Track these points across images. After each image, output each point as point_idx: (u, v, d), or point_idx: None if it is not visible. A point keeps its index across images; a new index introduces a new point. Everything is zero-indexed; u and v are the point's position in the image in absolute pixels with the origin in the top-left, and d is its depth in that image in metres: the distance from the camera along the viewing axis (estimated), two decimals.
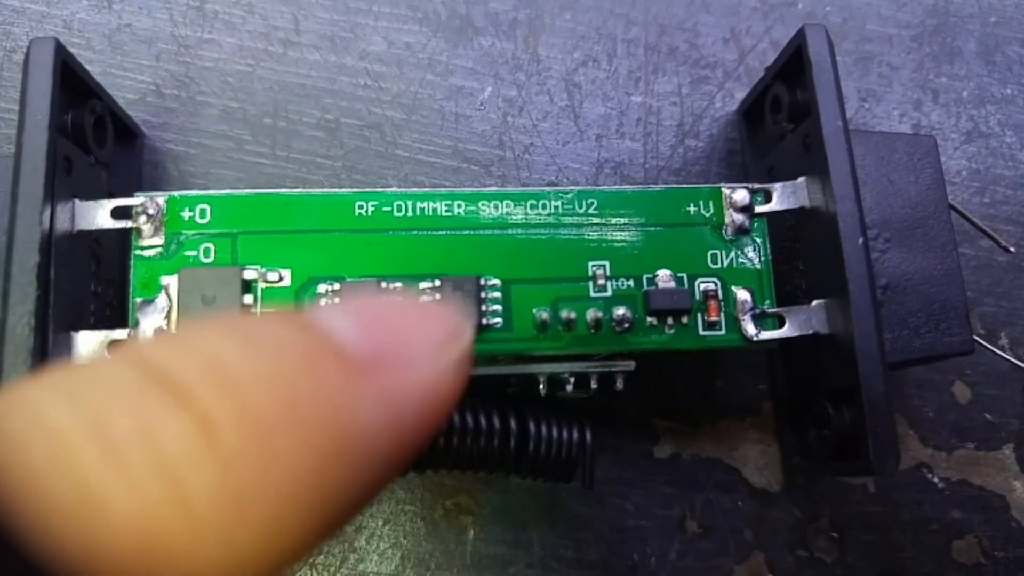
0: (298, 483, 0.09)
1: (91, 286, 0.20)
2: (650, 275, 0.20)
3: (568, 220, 0.21)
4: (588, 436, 0.21)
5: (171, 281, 0.19)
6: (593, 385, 0.20)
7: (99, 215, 0.20)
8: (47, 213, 0.18)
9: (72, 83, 0.20)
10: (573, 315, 0.20)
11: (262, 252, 0.20)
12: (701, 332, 0.20)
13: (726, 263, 0.21)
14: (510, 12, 0.27)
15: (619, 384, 0.21)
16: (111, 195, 0.20)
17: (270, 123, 0.25)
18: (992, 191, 0.27)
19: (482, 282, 0.20)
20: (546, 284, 0.20)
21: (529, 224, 0.20)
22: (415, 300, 0.12)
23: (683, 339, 0.20)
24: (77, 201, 0.20)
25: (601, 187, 0.22)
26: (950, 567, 0.24)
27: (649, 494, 0.24)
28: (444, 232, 0.20)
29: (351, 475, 0.10)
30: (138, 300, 0.19)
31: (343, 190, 0.20)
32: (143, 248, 0.20)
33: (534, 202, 0.21)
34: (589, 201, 0.21)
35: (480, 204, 0.20)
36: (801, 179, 0.21)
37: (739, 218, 0.21)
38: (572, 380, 0.20)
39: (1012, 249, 0.24)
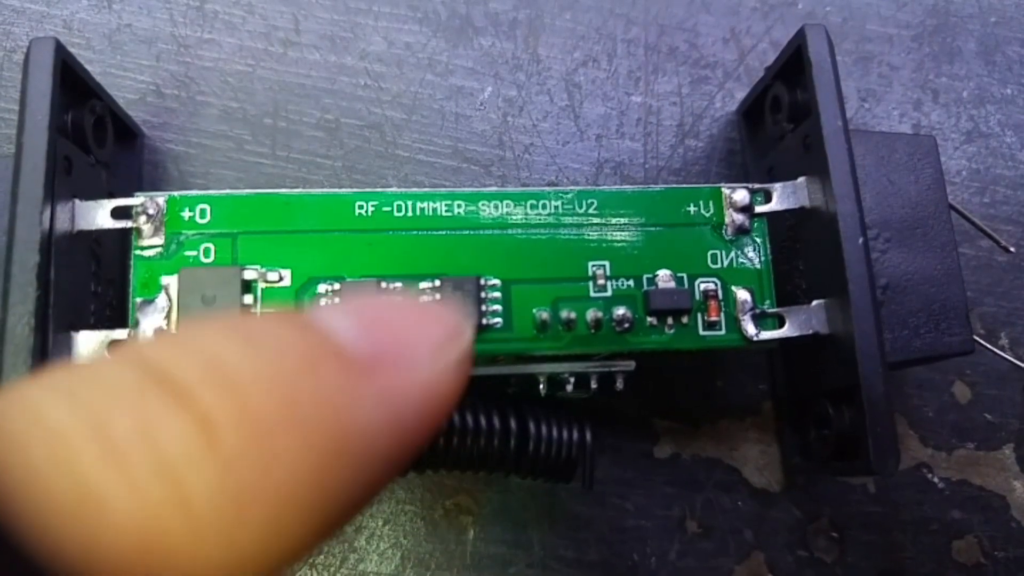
0: (298, 483, 0.09)
1: (91, 286, 0.20)
2: (650, 275, 0.20)
3: (568, 220, 0.21)
4: (588, 436, 0.21)
5: (171, 281, 0.19)
6: (593, 385, 0.20)
7: (99, 215, 0.20)
8: (47, 213, 0.18)
9: (72, 83, 0.20)
10: (573, 315, 0.20)
11: (262, 252, 0.20)
12: (701, 332, 0.20)
13: (726, 263, 0.21)
14: (510, 12, 0.27)
15: (619, 384, 0.21)
16: (111, 195, 0.20)
17: (270, 123, 0.25)
18: (992, 191, 0.27)
19: (482, 282, 0.20)
20: (546, 284, 0.20)
21: (529, 224, 0.20)
22: (415, 300, 0.12)
23: (683, 339, 0.20)
24: (77, 201, 0.20)
25: (601, 187, 0.21)
26: (950, 567, 0.24)
27: (649, 494, 0.24)
28: (444, 232, 0.20)
29: (351, 475, 0.10)
30: (138, 300, 0.19)
31: (343, 190, 0.20)
32: (143, 248, 0.20)
33: (534, 202, 0.21)
34: (589, 201, 0.21)
35: (480, 204, 0.20)
36: (801, 179, 0.21)
37: (739, 218, 0.21)
38: (572, 380, 0.20)
39: (1012, 249, 0.24)
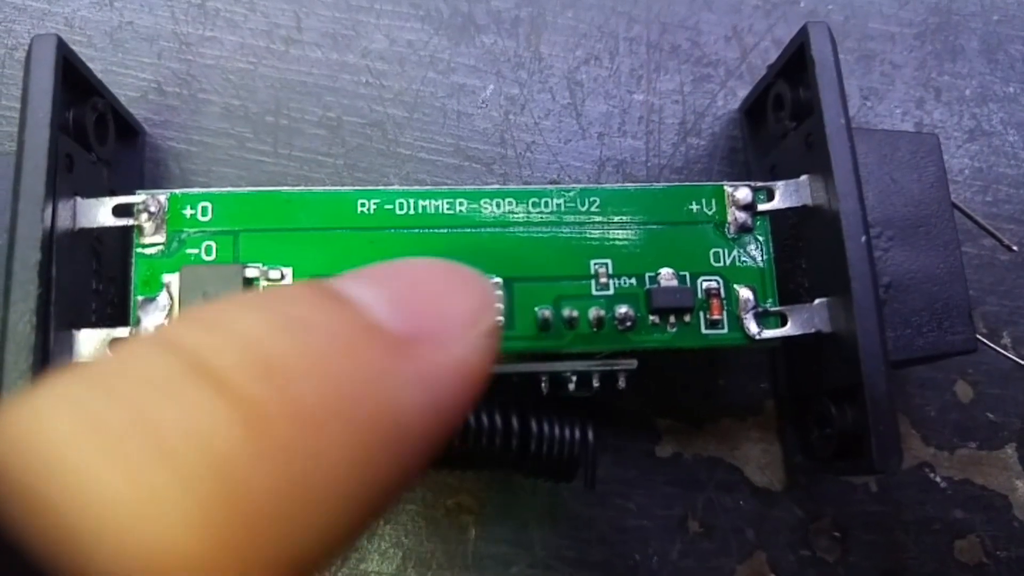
0: (347, 472, 0.09)
1: (92, 284, 0.20)
2: (652, 273, 0.20)
3: (570, 218, 0.20)
4: (590, 435, 0.21)
5: (173, 279, 0.19)
6: (595, 384, 0.20)
7: (100, 213, 0.20)
8: (48, 211, 0.18)
9: (74, 80, 0.20)
10: (575, 313, 0.20)
11: (264, 250, 0.20)
12: (703, 331, 0.20)
13: (728, 261, 0.21)
14: (512, 10, 0.27)
15: (621, 383, 0.20)
16: (112, 193, 0.20)
17: (272, 121, 0.25)
18: (995, 190, 0.27)
19: None
20: (548, 282, 0.20)
21: (531, 222, 0.20)
22: (441, 265, 0.11)
23: (685, 338, 0.20)
24: (78, 199, 0.19)
25: (603, 185, 0.21)
26: (952, 567, 0.24)
27: (651, 494, 0.24)
28: (446, 230, 0.20)
29: (395, 460, 0.09)
30: (139, 298, 0.19)
31: (345, 188, 0.20)
32: (144, 246, 0.19)
33: (536, 200, 0.21)
34: (591, 199, 0.21)
35: (482, 202, 0.20)
36: (804, 177, 0.21)
37: (741, 216, 0.21)
38: (574, 379, 0.20)
39: (1015, 248, 0.24)
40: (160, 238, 0.19)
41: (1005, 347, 0.25)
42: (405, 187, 0.21)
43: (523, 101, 0.26)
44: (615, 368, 0.20)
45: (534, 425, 0.20)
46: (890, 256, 0.21)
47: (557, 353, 0.20)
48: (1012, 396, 0.25)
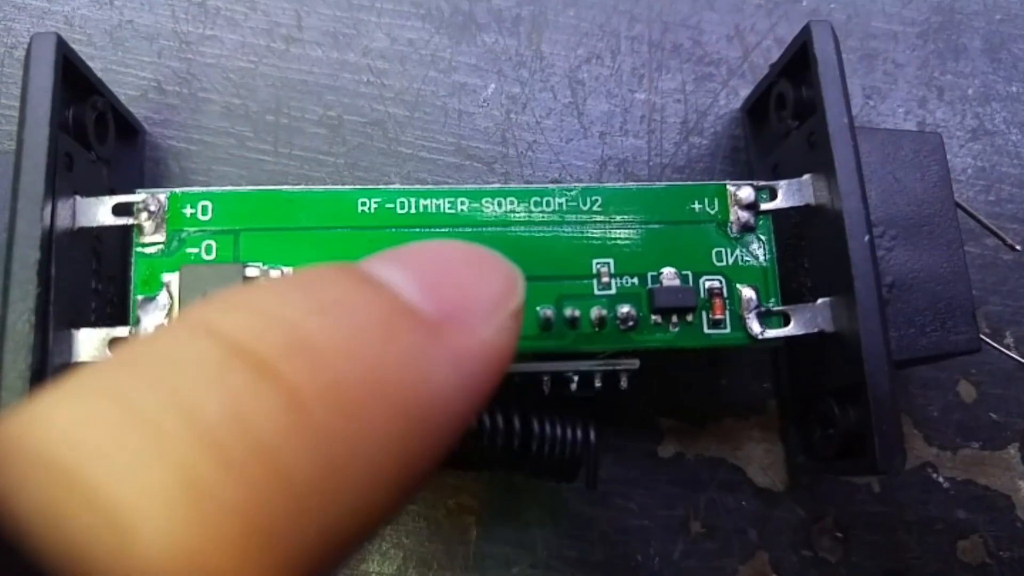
0: (386, 455, 0.09)
1: (92, 283, 0.20)
2: (655, 273, 0.20)
3: (572, 218, 0.20)
4: (592, 435, 0.21)
5: (172, 278, 0.19)
6: (597, 384, 0.20)
7: (100, 212, 0.20)
8: (48, 209, 0.18)
9: (73, 79, 0.20)
10: (577, 313, 0.19)
11: (264, 249, 0.19)
12: (706, 330, 0.20)
13: (731, 261, 0.21)
14: (513, 9, 0.27)
15: (623, 383, 0.20)
16: (112, 192, 0.20)
17: (272, 120, 0.25)
18: (998, 189, 0.27)
19: None
20: (550, 282, 0.20)
21: (532, 221, 0.20)
22: (466, 248, 0.11)
23: (687, 337, 0.20)
24: (78, 197, 0.19)
25: (605, 184, 0.21)
26: (955, 567, 0.24)
27: (653, 494, 0.24)
28: (447, 229, 0.20)
29: (429, 444, 0.09)
30: (139, 297, 0.19)
31: (345, 187, 0.20)
32: (144, 245, 0.19)
33: (537, 199, 0.20)
34: (593, 198, 0.21)
35: (483, 201, 0.20)
36: (806, 176, 0.21)
37: (744, 215, 0.21)
38: (576, 379, 0.20)
39: (1018, 247, 0.24)
40: (160, 237, 0.19)
41: (1008, 347, 0.25)
42: (406, 186, 0.20)
43: (524, 100, 0.26)
44: (617, 368, 0.20)
45: (536, 425, 0.20)
46: (893, 255, 0.21)
47: (559, 353, 0.20)
48: (1015, 396, 0.25)
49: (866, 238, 0.19)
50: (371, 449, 0.09)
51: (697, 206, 0.21)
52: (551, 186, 0.21)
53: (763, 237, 0.21)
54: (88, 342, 0.19)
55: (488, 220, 0.20)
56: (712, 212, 0.21)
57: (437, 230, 0.20)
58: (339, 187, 0.20)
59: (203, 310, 0.09)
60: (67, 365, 0.18)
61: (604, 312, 0.20)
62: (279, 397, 0.08)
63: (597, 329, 0.20)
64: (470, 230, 0.20)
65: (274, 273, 0.19)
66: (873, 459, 0.19)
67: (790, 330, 0.20)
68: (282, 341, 0.09)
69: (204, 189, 0.20)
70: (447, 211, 0.20)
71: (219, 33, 0.26)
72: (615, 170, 0.26)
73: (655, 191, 0.21)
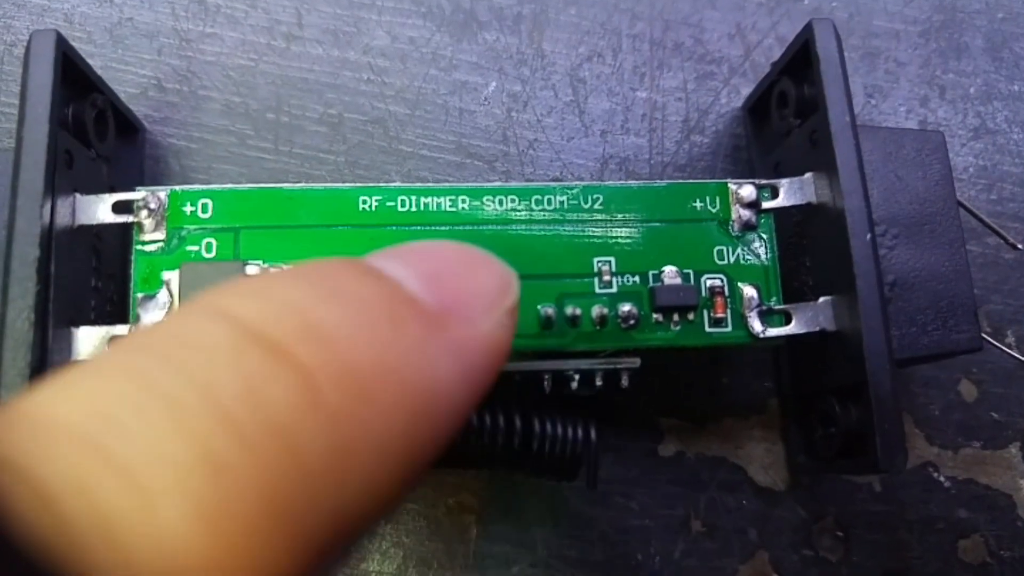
0: (393, 438, 0.09)
1: (91, 281, 0.20)
2: (656, 271, 0.20)
3: (573, 216, 0.20)
4: (592, 434, 0.21)
5: (172, 276, 0.19)
6: (598, 382, 0.20)
7: (100, 209, 0.20)
8: (47, 207, 0.18)
9: (73, 76, 0.20)
10: (578, 311, 0.19)
11: (264, 247, 0.19)
12: (707, 329, 0.20)
13: (732, 259, 0.21)
14: (514, 7, 0.27)
15: (624, 381, 0.20)
16: (112, 189, 0.20)
17: (272, 118, 0.25)
18: (999, 188, 0.27)
19: None
20: (551, 280, 0.20)
21: (533, 220, 0.20)
22: (462, 247, 0.12)
23: (689, 336, 0.20)
24: (78, 195, 0.19)
25: (606, 183, 0.21)
26: (956, 566, 0.24)
27: (653, 493, 0.24)
28: (447, 228, 0.20)
29: (432, 431, 0.10)
30: (139, 295, 0.19)
31: (346, 185, 0.20)
32: (144, 243, 0.19)
33: (538, 198, 0.20)
34: (594, 196, 0.20)
35: (484, 199, 0.20)
36: (808, 175, 0.21)
37: (746, 214, 0.21)
38: (577, 377, 0.20)
39: (1020, 246, 0.24)
40: (160, 235, 0.19)
41: (1010, 346, 0.25)
42: (407, 184, 0.20)
43: (526, 98, 0.26)
44: (618, 366, 0.20)
45: (536, 424, 0.20)
46: (895, 254, 0.21)
47: (560, 351, 0.20)
48: (1016, 395, 0.25)
49: (868, 236, 0.19)
50: (380, 433, 0.09)
51: (698, 204, 0.21)
52: (552, 184, 0.21)
53: (764, 236, 0.21)
54: (88, 340, 0.19)
55: (489, 218, 0.20)
56: (713, 210, 0.21)
57: (438, 228, 0.20)
58: (340, 185, 0.20)
59: (217, 296, 0.10)
60: (67, 363, 0.18)
61: (605, 310, 0.20)
62: (294, 379, 0.09)
63: (598, 328, 0.20)
64: (471, 228, 0.20)
65: (274, 271, 0.19)
66: (874, 458, 0.19)
67: (791, 329, 0.20)
68: (296, 326, 0.09)
69: (204, 187, 0.20)
70: (448, 209, 0.20)
71: (219, 31, 0.26)
72: (616, 168, 0.26)
73: (656, 189, 0.21)
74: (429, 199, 0.20)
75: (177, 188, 0.20)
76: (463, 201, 0.20)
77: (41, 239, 0.18)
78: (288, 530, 0.08)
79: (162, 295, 0.19)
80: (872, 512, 0.24)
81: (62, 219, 0.19)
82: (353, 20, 0.26)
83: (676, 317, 0.20)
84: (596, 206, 0.20)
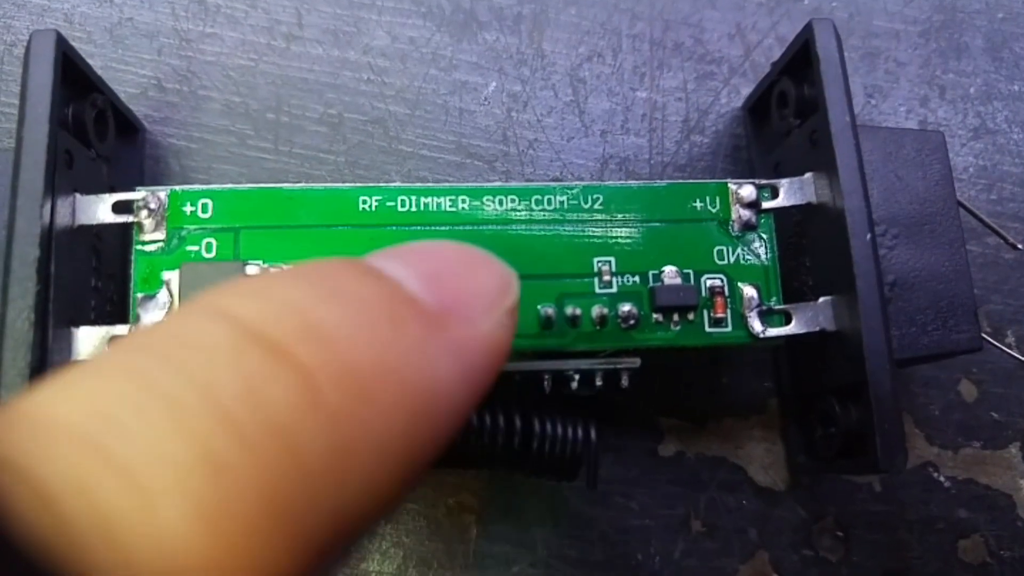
0: (393, 439, 0.09)
1: (91, 281, 0.20)
2: (656, 271, 0.20)
3: (573, 216, 0.20)
4: (592, 434, 0.21)
5: (172, 276, 0.19)
6: (598, 382, 0.20)
7: (100, 209, 0.20)
8: (47, 207, 0.18)
9: (73, 76, 0.20)
10: (578, 311, 0.19)
11: (264, 247, 0.19)
12: (707, 329, 0.20)
13: (732, 259, 0.21)
14: (514, 7, 0.27)
15: (624, 381, 0.20)
16: (112, 189, 0.20)
17: (272, 118, 0.25)
18: (999, 188, 0.27)
19: None
20: (551, 280, 0.20)
21: (533, 220, 0.20)
22: (462, 247, 0.12)
23: (689, 336, 0.20)
24: (78, 195, 0.19)
25: (606, 183, 0.21)
26: (956, 566, 0.24)
27: (653, 493, 0.24)
28: (447, 228, 0.20)
29: (432, 432, 0.10)
30: (139, 295, 0.19)
31: (346, 185, 0.20)
32: (144, 243, 0.19)
33: (538, 197, 0.20)
34: (594, 196, 0.20)
35: (484, 199, 0.20)
36: (808, 175, 0.21)
37: (746, 214, 0.21)
38: (577, 377, 0.20)
39: (1020, 246, 0.24)
40: (160, 235, 0.19)
41: (1009, 346, 0.25)
42: (407, 184, 0.20)
43: (526, 98, 0.26)
44: (618, 366, 0.20)
45: (536, 424, 0.20)
46: (895, 254, 0.21)
47: (560, 351, 0.20)
48: (1016, 395, 0.25)
49: (868, 236, 0.19)
50: (380, 433, 0.09)
51: (698, 204, 0.21)
52: (552, 184, 0.21)
53: (764, 235, 0.21)
54: (88, 340, 0.19)
55: (489, 218, 0.20)
56: (713, 210, 0.21)
57: (438, 228, 0.20)
58: (340, 185, 0.20)
59: (217, 296, 0.10)
60: (67, 363, 0.18)
61: (605, 310, 0.20)
62: (294, 379, 0.09)
63: (598, 328, 0.20)
64: (471, 228, 0.20)
65: (274, 271, 0.19)
66: (874, 458, 0.19)
67: (791, 329, 0.20)
68: (296, 326, 0.09)
69: (204, 187, 0.20)
70: (448, 209, 0.20)
71: (219, 31, 0.26)
72: (616, 168, 0.26)
73: (656, 189, 0.21)
74: (429, 199, 0.20)
75: (177, 188, 0.20)
76: (463, 201, 0.20)
77: (41, 239, 0.18)
78: (288, 530, 0.08)
79: (162, 295, 0.19)
80: (872, 512, 0.24)
81: (62, 219, 0.19)
82: (353, 20, 0.26)
83: (676, 317, 0.20)
84: (596, 206, 0.20)
